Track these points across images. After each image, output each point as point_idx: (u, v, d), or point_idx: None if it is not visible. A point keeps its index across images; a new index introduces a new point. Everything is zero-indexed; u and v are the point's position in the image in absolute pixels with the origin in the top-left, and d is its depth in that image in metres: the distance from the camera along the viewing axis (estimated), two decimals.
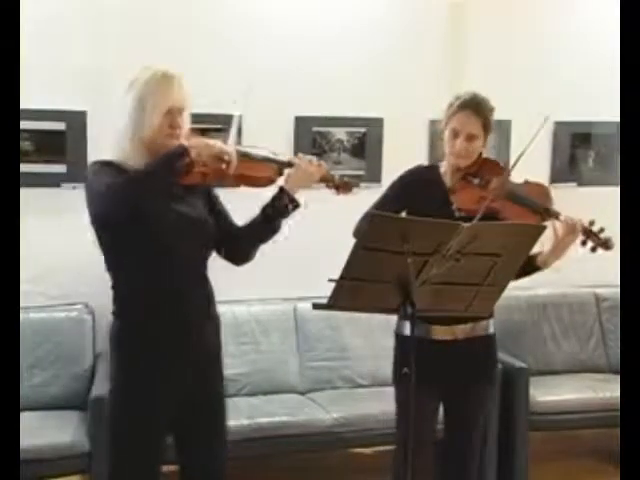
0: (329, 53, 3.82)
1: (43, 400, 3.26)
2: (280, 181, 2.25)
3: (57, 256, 3.46)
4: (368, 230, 2.01)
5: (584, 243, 2.49)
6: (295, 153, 3.79)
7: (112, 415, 2.21)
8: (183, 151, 2.03)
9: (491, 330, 2.59)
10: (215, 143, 2.10)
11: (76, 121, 3.53)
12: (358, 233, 2.52)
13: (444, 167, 2.59)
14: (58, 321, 3.45)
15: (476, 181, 2.49)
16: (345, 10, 3.86)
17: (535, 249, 2.34)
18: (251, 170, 2.19)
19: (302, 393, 3.63)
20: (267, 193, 2.26)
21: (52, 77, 3.32)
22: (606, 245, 2.48)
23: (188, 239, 2.15)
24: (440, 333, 2.50)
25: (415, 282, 2.05)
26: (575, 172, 4.27)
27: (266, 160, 2.25)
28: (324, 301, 2.09)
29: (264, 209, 2.25)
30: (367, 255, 2.00)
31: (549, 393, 3.64)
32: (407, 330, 2.37)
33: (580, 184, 4.27)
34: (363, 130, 3.92)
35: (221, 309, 3.61)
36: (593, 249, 2.50)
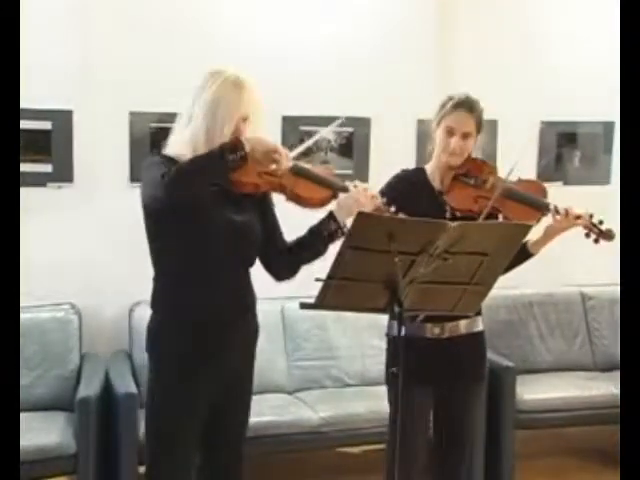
0: (316, 52, 3.82)
1: (29, 401, 3.24)
2: (332, 204, 2.25)
3: (43, 256, 3.44)
4: (354, 229, 2.02)
5: (587, 235, 2.52)
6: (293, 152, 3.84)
7: (150, 413, 2.22)
8: (237, 143, 2.04)
9: (480, 327, 2.61)
10: (269, 141, 2.12)
11: (62, 120, 3.52)
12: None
13: (430, 169, 2.61)
14: (44, 321, 3.43)
15: (471, 181, 2.52)
16: (333, 10, 3.86)
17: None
18: (304, 189, 2.19)
19: (290, 393, 3.63)
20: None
21: (38, 76, 3.30)
22: (608, 236, 2.50)
23: (231, 244, 2.16)
24: (432, 331, 2.51)
25: (402, 281, 2.06)
26: (561, 171, 4.29)
27: (322, 182, 2.24)
28: (312, 301, 2.10)
29: (311, 231, 2.27)
30: (354, 254, 2.01)
31: (536, 391, 3.66)
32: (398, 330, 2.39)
33: (566, 183, 4.29)
34: (350, 129, 3.92)
35: None
36: (596, 240, 2.52)
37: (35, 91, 3.29)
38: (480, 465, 3.49)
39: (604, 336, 4.10)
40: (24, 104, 3.38)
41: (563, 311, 4.08)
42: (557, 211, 2.49)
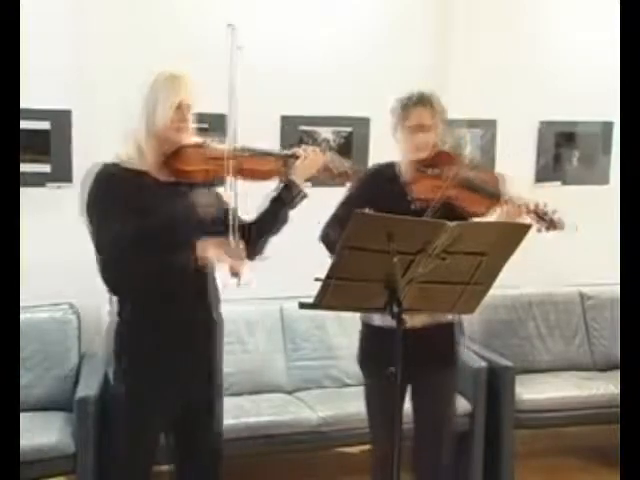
0: (315, 52, 3.82)
1: (28, 401, 3.23)
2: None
3: (41, 256, 3.44)
4: (353, 229, 2.02)
5: (539, 230, 2.54)
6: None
7: (113, 414, 2.25)
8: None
9: (449, 318, 2.66)
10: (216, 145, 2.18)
11: (61, 120, 3.51)
12: (326, 238, 2.64)
13: (400, 164, 2.69)
14: (43, 321, 3.42)
15: (430, 171, 2.60)
16: (331, 10, 3.86)
17: None
18: (254, 164, 2.23)
19: (289, 392, 3.62)
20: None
21: (37, 76, 3.29)
22: (556, 225, 2.54)
23: (191, 235, 2.16)
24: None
25: (401, 281, 2.06)
26: (560, 171, 4.30)
27: (269, 154, 2.29)
28: (310, 300, 2.10)
29: (272, 201, 2.29)
30: (353, 254, 2.01)
31: (535, 391, 3.66)
32: (373, 319, 2.60)
33: (564, 183, 4.29)
34: (349, 129, 3.92)
35: None
36: (547, 229, 2.55)
37: (34, 91, 3.28)
38: (479, 465, 3.49)
39: (603, 336, 4.10)
40: (23, 104, 3.37)
41: (562, 311, 4.08)
42: (505, 201, 2.55)
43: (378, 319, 2.59)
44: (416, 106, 2.60)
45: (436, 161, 2.62)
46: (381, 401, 2.60)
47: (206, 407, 2.28)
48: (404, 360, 2.48)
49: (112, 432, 2.26)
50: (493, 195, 2.58)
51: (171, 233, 2.13)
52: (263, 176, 2.26)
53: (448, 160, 2.63)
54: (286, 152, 2.32)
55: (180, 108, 2.20)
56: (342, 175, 2.36)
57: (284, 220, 2.31)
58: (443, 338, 2.67)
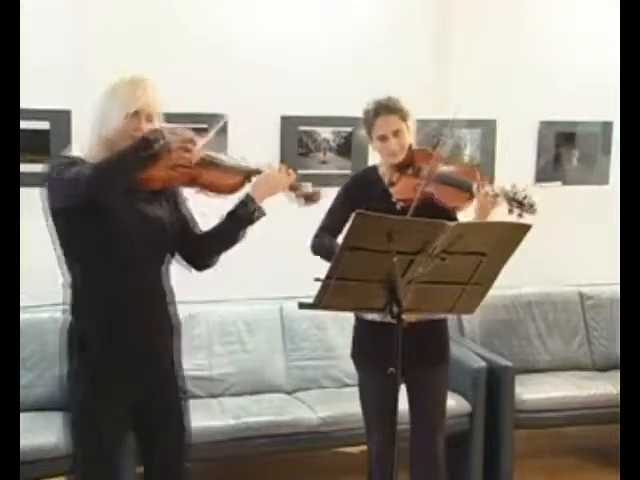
0: (315, 52, 3.82)
1: (27, 401, 3.23)
2: (247, 188, 2.25)
3: (41, 256, 3.43)
4: (353, 230, 2.02)
5: (510, 211, 2.57)
6: (281, 152, 3.84)
7: (73, 416, 2.20)
8: (152, 139, 2.03)
9: (441, 315, 2.69)
10: (179, 130, 2.10)
11: (60, 120, 3.51)
12: (317, 249, 2.69)
13: (381, 168, 2.75)
14: (42, 322, 3.42)
15: (409, 171, 2.66)
16: (331, 10, 3.86)
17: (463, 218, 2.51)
18: (217, 177, 2.18)
19: (289, 392, 3.62)
20: (234, 198, 2.26)
21: (36, 76, 3.29)
22: (529, 209, 2.53)
23: (147, 239, 2.14)
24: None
25: (401, 281, 2.06)
26: (560, 171, 4.30)
27: (233, 168, 2.24)
28: (310, 300, 2.10)
29: (229, 216, 2.25)
30: (353, 255, 2.01)
31: (534, 391, 3.66)
32: (367, 314, 2.64)
33: (564, 183, 4.30)
34: (349, 129, 3.92)
35: (207, 309, 3.66)
36: (519, 215, 2.55)
37: (33, 91, 3.28)
38: (479, 465, 3.49)
39: (603, 336, 4.10)
40: (22, 104, 3.39)
41: (562, 311, 4.08)
42: (478, 191, 2.58)
43: (369, 314, 2.62)
44: (379, 116, 2.65)
45: (413, 160, 2.67)
46: (375, 395, 2.62)
47: (167, 407, 2.25)
48: (395, 354, 2.52)
49: (76, 433, 2.22)
50: (470, 187, 2.61)
51: (124, 237, 2.11)
52: (223, 190, 2.21)
53: (424, 158, 2.68)
54: (250, 167, 2.26)
55: (137, 116, 2.11)
56: (310, 197, 2.31)
57: (239, 236, 2.26)
58: (435, 334, 2.71)
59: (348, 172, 3.87)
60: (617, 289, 4.05)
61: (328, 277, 2.03)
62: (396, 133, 2.64)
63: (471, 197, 2.59)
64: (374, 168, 2.78)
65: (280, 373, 3.66)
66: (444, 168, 2.67)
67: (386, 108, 2.66)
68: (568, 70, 4.14)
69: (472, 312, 2.39)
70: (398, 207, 2.62)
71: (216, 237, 2.28)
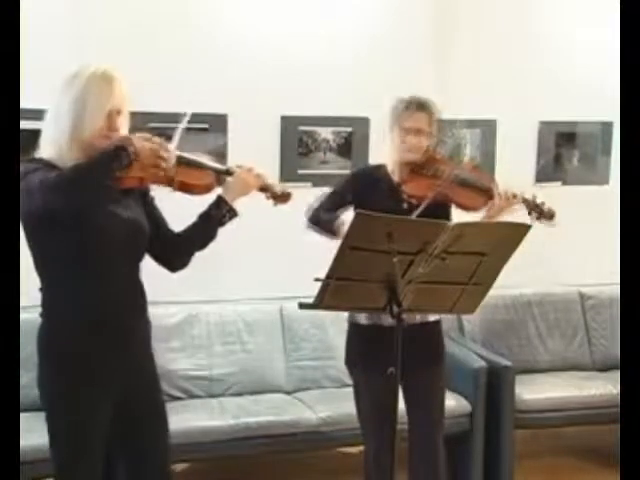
0: (315, 52, 3.82)
1: (27, 402, 3.20)
2: (219, 189, 2.25)
3: None
4: (353, 229, 2.02)
5: (530, 213, 2.67)
6: (281, 152, 3.85)
7: (47, 419, 2.16)
8: (123, 150, 1.98)
9: (437, 317, 2.72)
10: (154, 146, 2.05)
11: None
12: (315, 219, 2.72)
13: (390, 166, 2.74)
14: None
15: (426, 171, 2.68)
16: (331, 10, 3.86)
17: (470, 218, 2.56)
18: (189, 177, 2.17)
19: (289, 393, 3.62)
20: (206, 197, 2.25)
21: (34, 76, 3.29)
22: (548, 215, 2.66)
23: (121, 241, 2.12)
24: (388, 320, 2.52)
25: (401, 281, 2.06)
26: (560, 171, 4.30)
27: (205, 168, 2.24)
28: (310, 301, 2.10)
29: (201, 217, 2.25)
30: (353, 255, 2.01)
31: (534, 391, 3.66)
32: (361, 319, 2.65)
33: (565, 183, 4.30)
34: (349, 129, 3.92)
35: (207, 309, 3.66)
36: (538, 218, 2.66)
37: (33, 91, 3.28)
38: (479, 465, 3.49)
39: (603, 336, 4.10)
40: (22, 104, 3.40)
41: (562, 311, 4.08)
42: (498, 194, 2.64)
43: (364, 318, 2.64)
44: (418, 110, 2.66)
45: (429, 163, 2.69)
46: (373, 399, 2.61)
47: (148, 408, 2.23)
48: (392, 357, 2.51)
49: (52, 437, 2.18)
50: (488, 189, 2.66)
51: (96, 239, 2.08)
52: (197, 190, 2.21)
53: (441, 162, 2.71)
54: (220, 167, 2.26)
55: (110, 115, 2.05)
56: (283, 196, 2.30)
57: (211, 237, 2.25)
58: (429, 335, 2.71)
59: (348, 172, 3.88)
60: (617, 289, 4.04)
61: (328, 277, 2.03)
62: (420, 131, 2.65)
63: (489, 199, 2.64)
64: (381, 166, 2.77)
65: (280, 373, 3.66)
66: (462, 171, 2.70)
67: (419, 105, 2.67)
68: (568, 70, 4.14)
69: (472, 312, 2.39)
70: (405, 206, 2.62)
71: (189, 238, 2.27)
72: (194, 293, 3.55)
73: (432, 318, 2.70)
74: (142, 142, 2.04)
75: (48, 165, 2.05)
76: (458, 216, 2.65)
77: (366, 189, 2.69)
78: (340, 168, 3.88)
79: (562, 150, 4.29)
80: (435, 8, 3.98)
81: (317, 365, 3.71)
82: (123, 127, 2.10)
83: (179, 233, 2.29)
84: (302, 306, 2.13)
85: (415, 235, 2.03)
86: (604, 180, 4.34)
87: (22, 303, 3.30)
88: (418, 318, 2.63)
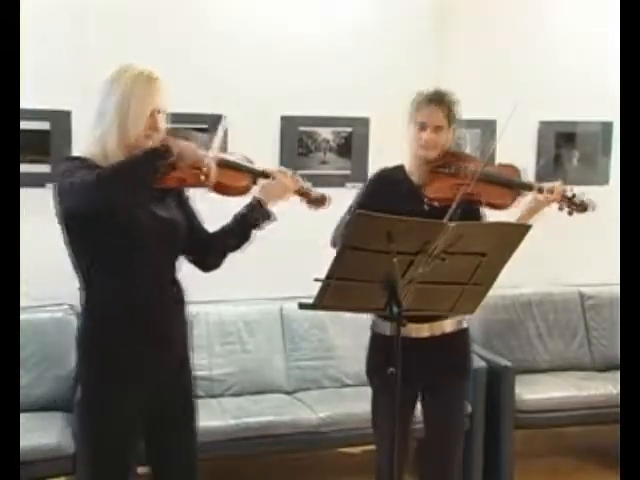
0: (314, 53, 3.82)
1: (27, 402, 3.23)
2: (254, 190, 2.25)
3: (41, 257, 3.44)
4: (353, 230, 2.02)
5: (561, 208, 2.57)
6: (281, 152, 3.85)
7: (83, 417, 2.19)
8: (165, 153, 2.02)
9: (464, 325, 2.62)
10: (197, 152, 2.08)
11: (61, 121, 3.51)
12: (334, 241, 2.55)
13: (408, 165, 2.63)
14: (42, 322, 3.42)
15: (449, 170, 2.55)
16: (331, 9, 3.86)
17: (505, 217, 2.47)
18: (227, 178, 2.18)
19: (288, 393, 3.62)
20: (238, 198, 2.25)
21: (36, 77, 3.29)
22: (583, 207, 2.56)
23: (160, 240, 2.13)
24: (415, 331, 2.51)
25: (401, 282, 2.06)
26: (560, 171, 4.29)
27: (243, 169, 2.24)
28: (310, 301, 2.10)
29: (236, 218, 2.25)
30: (353, 255, 2.01)
31: (534, 391, 3.66)
32: (386, 329, 2.48)
33: (565, 183, 4.27)
34: (349, 130, 3.92)
35: (207, 309, 3.66)
36: (570, 213, 2.57)
37: (34, 91, 3.29)
38: (479, 465, 3.49)
39: (602, 336, 4.10)
40: (22, 104, 3.39)
41: (561, 311, 4.08)
42: (531, 188, 2.54)
43: (389, 329, 2.45)
44: (427, 103, 2.54)
45: (448, 161, 2.56)
46: (389, 411, 2.44)
47: (180, 406, 2.25)
48: (416, 368, 2.45)
49: (88, 435, 2.20)
50: (516, 184, 2.54)
51: (135, 238, 2.10)
52: (234, 192, 2.21)
53: (462, 159, 2.59)
54: (258, 169, 2.26)
55: (152, 115, 2.09)
56: (319, 200, 2.30)
57: (246, 239, 2.26)
58: (461, 346, 2.62)
59: (348, 172, 3.88)
60: (617, 289, 4.04)
61: (328, 277, 2.03)
62: (437, 129, 2.52)
63: (517, 194, 2.53)
64: (399, 167, 2.64)
65: (280, 373, 3.66)
66: (487, 168, 2.56)
67: (438, 100, 2.54)
68: (568, 70, 4.14)
69: (472, 312, 2.39)
70: (426, 207, 2.50)
71: (223, 239, 2.28)
72: (194, 293, 3.55)
73: (461, 326, 2.58)
74: (183, 143, 2.06)
75: (90, 164, 2.07)
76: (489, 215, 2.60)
77: (384, 193, 2.55)
78: (340, 168, 3.88)
79: (562, 150, 4.29)
80: (434, 7, 3.98)
81: (317, 365, 3.71)
82: (163, 126, 2.12)
83: (213, 233, 2.30)
84: (302, 306, 2.13)
85: (415, 235, 2.03)
86: (604, 180, 4.34)
87: (22, 303, 3.31)
88: (448, 328, 2.54)
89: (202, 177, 2.09)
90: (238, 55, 3.67)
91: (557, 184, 2.56)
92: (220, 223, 2.32)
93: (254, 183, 2.24)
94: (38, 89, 3.37)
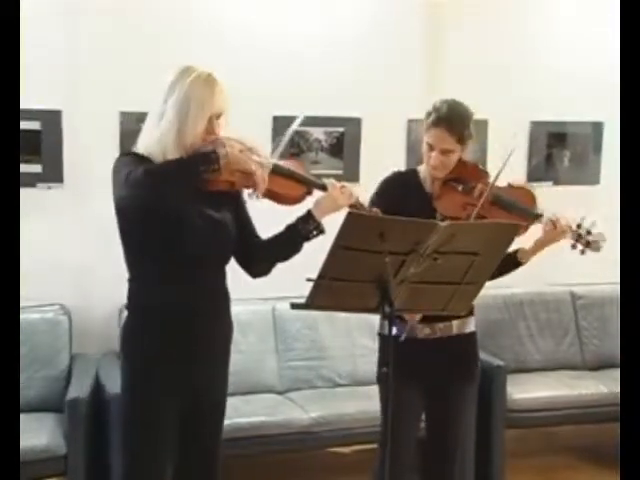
0: (307, 52, 3.82)
1: (27, 402, 3.22)
2: (307, 201, 2.24)
3: (32, 257, 3.42)
4: (345, 229, 2.02)
5: (574, 247, 2.52)
6: (273, 152, 3.84)
7: (125, 414, 2.20)
8: (213, 153, 2.00)
9: (472, 328, 2.61)
10: (247, 158, 2.06)
11: (51, 120, 3.50)
12: None
13: (422, 171, 2.59)
14: (33, 322, 3.41)
15: (460, 187, 2.48)
16: (324, 10, 3.86)
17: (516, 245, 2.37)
18: (279, 186, 2.16)
19: (281, 393, 3.62)
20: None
21: (27, 76, 3.27)
22: (594, 247, 2.49)
23: (209, 242, 2.14)
24: (422, 331, 2.51)
25: (393, 281, 2.06)
26: (551, 171, 4.31)
27: (298, 179, 2.22)
28: (302, 301, 2.09)
29: (288, 229, 2.25)
30: (345, 254, 2.01)
31: (526, 391, 3.67)
32: (385, 329, 2.40)
33: (556, 183, 4.31)
34: (341, 130, 3.93)
35: None
36: (582, 252, 2.53)
37: (24, 91, 3.27)
38: (471, 464, 3.49)
39: (594, 335, 4.12)
40: (22, 104, 3.37)
41: (553, 310, 4.10)
42: (549, 222, 2.45)
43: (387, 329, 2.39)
44: (435, 125, 2.44)
45: (462, 175, 2.49)
46: (401, 412, 2.42)
47: (213, 408, 2.27)
48: (423, 370, 2.47)
49: (128, 432, 2.21)
50: (530, 213, 2.47)
51: (183, 237, 2.10)
52: (286, 200, 2.20)
53: (475, 174, 2.51)
54: (315, 181, 2.24)
55: (211, 119, 2.08)
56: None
57: (296, 250, 2.26)
58: (469, 348, 2.60)
59: (340, 172, 3.87)
60: (608, 289, 4.08)
61: (320, 277, 2.03)
62: (445, 152, 2.44)
63: (528, 224, 2.43)
64: (414, 171, 2.59)
65: (272, 373, 3.66)
66: (500, 189, 2.48)
67: (448, 123, 2.41)
68: (559, 70, 4.16)
69: (464, 312, 2.39)
70: (438, 217, 2.42)
71: (273, 247, 2.28)
72: None
73: (469, 330, 2.57)
74: (236, 146, 2.05)
75: (147, 160, 2.07)
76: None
77: (396, 197, 2.49)
78: (332, 168, 3.88)
79: (553, 150, 4.31)
80: (426, 8, 3.99)
81: (309, 365, 3.71)
82: (220, 129, 2.11)
83: (264, 241, 2.30)
84: (294, 306, 2.13)
85: (407, 235, 2.03)
86: (595, 180, 4.36)
87: (22, 303, 3.30)
88: (455, 330, 2.52)
89: (251, 179, 2.08)
90: (230, 55, 3.67)
91: (569, 218, 2.48)
92: (272, 228, 2.30)
93: (309, 193, 2.23)
94: (28, 89, 3.35)
